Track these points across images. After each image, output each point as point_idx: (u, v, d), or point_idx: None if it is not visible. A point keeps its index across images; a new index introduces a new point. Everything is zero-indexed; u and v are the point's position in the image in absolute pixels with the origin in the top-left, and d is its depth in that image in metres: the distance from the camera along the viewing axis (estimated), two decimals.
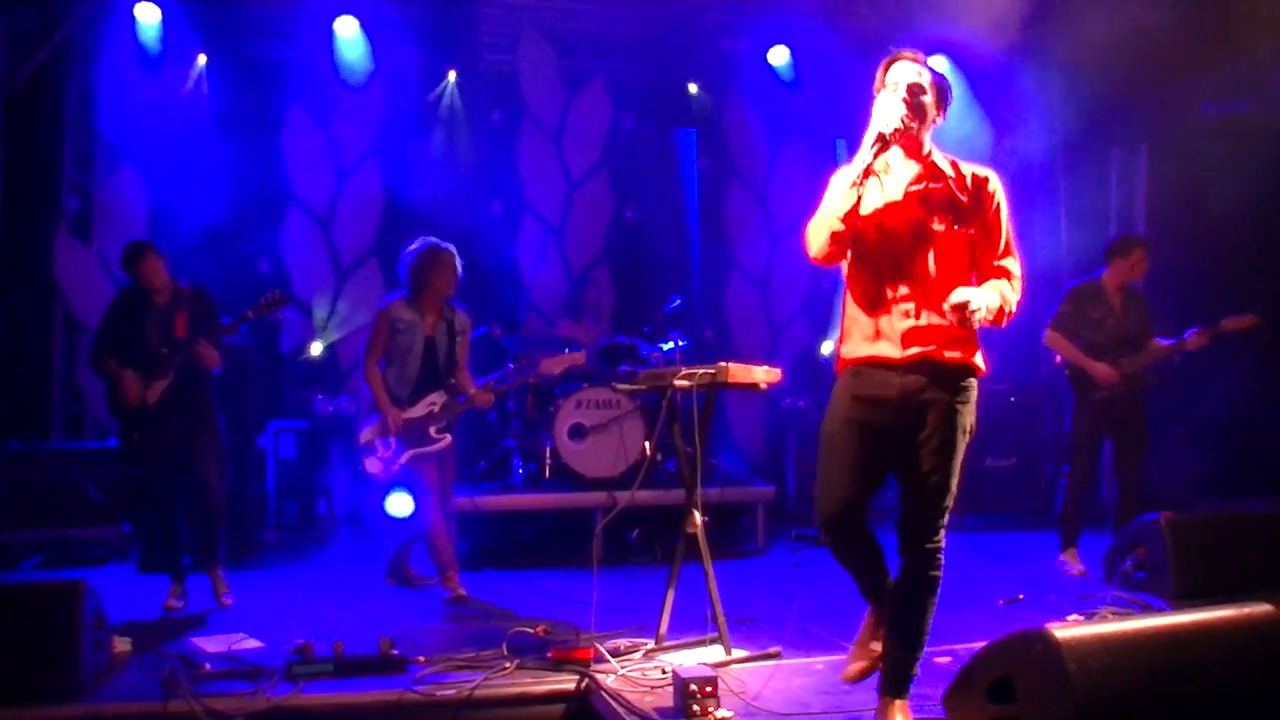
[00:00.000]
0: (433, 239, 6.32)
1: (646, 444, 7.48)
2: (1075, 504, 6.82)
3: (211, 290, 6.20)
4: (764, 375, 4.78)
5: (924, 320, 3.48)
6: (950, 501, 3.53)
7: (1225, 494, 8.67)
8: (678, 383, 4.70)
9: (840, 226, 3.45)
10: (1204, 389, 9.13)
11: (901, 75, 3.58)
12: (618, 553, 7.23)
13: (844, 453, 3.56)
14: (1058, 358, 6.93)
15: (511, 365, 7.09)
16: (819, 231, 3.51)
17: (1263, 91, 8.49)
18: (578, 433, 7.51)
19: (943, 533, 3.54)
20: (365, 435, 6.24)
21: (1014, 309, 3.52)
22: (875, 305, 3.55)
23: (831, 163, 10.46)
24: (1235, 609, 3.35)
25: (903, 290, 3.51)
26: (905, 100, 3.52)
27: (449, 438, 6.29)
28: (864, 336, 3.57)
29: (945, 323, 3.45)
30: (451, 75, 9.34)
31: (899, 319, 3.50)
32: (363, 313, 8.98)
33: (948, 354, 3.50)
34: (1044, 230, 9.73)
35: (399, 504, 7.35)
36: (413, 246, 6.31)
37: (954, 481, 3.51)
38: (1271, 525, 6.14)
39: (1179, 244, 9.04)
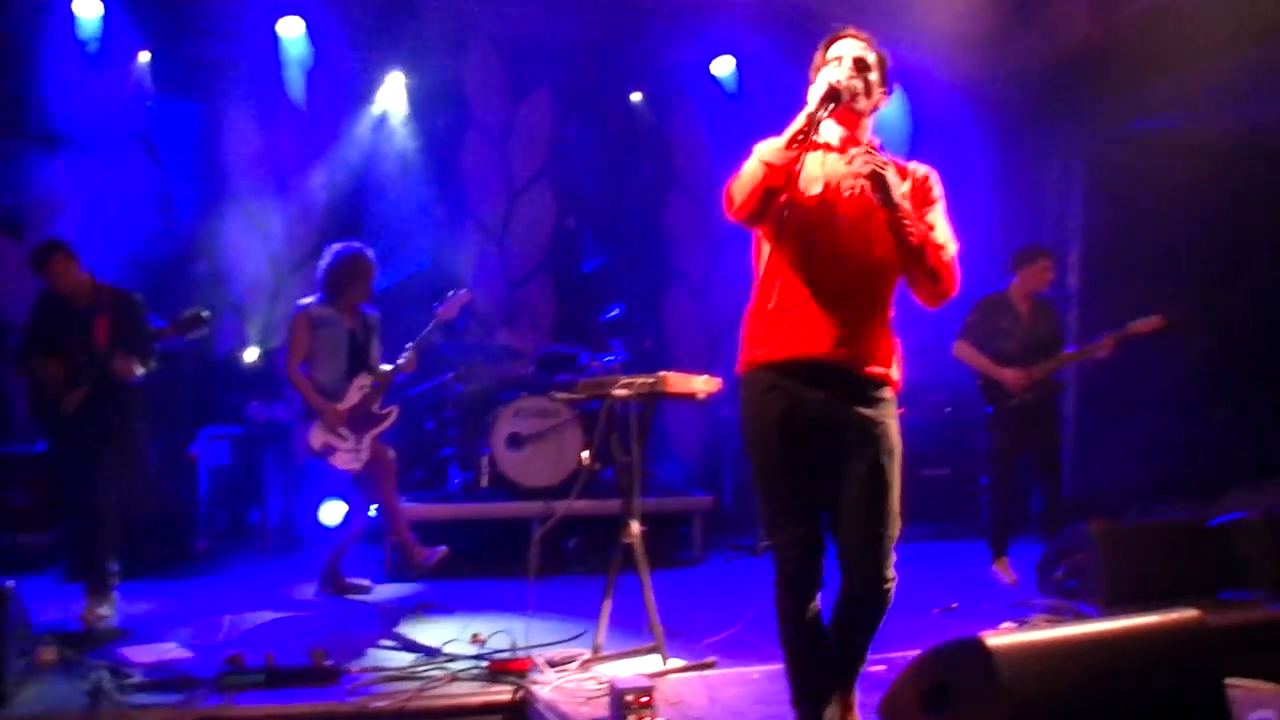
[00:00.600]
0: (355, 245, 6.46)
1: (584, 453, 7.47)
2: (999, 514, 6.88)
3: (146, 291, 6.07)
4: (702, 385, 4.79)
5: (855, 321, 3.32)
6: (895, 525, 3.34)
7: (1154, 501, 8.81)
8: (616, 392, 4.70)
9: (776, 182, 3.21)
10: (1134, 399, 9.28)
11: (846, 49, 3.45)
12: (555, 562, 7.20)
13: (783, 466, 3.37)
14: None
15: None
16: (747, 181, 3.26)
17: (1193, 108, 8.66)
18: (515, 442, 7.47)
19: (893, 556, 3.35)
20: (316, 440, 6.23)
21: (931, 253, 3.32)
22: (802, 297, 3.33)
23: None
24: (1163, 615, 3.39)
25: (836, 283, 3.32)
26: (850, 72, 3.37)
27: (395, 409, 6.50)
28: (786, 333, 3.35)
29: (874, 327, 3.35)
30: (396, 78, 9.27)
31: (829, 314, 3.30)
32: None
33: (874, 368, 3.35)
34: (981, 242, 9.84)
35: (331, 511, 7.30)
36: (335, 250, 6.43)
37: (896, 499, 3.33)
38: (1198, 532, 6.27)
39: (1113, 256, 9.20)
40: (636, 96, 10.03)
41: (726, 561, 7.68)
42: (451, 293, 6.63)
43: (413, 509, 7.17)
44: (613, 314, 8.55)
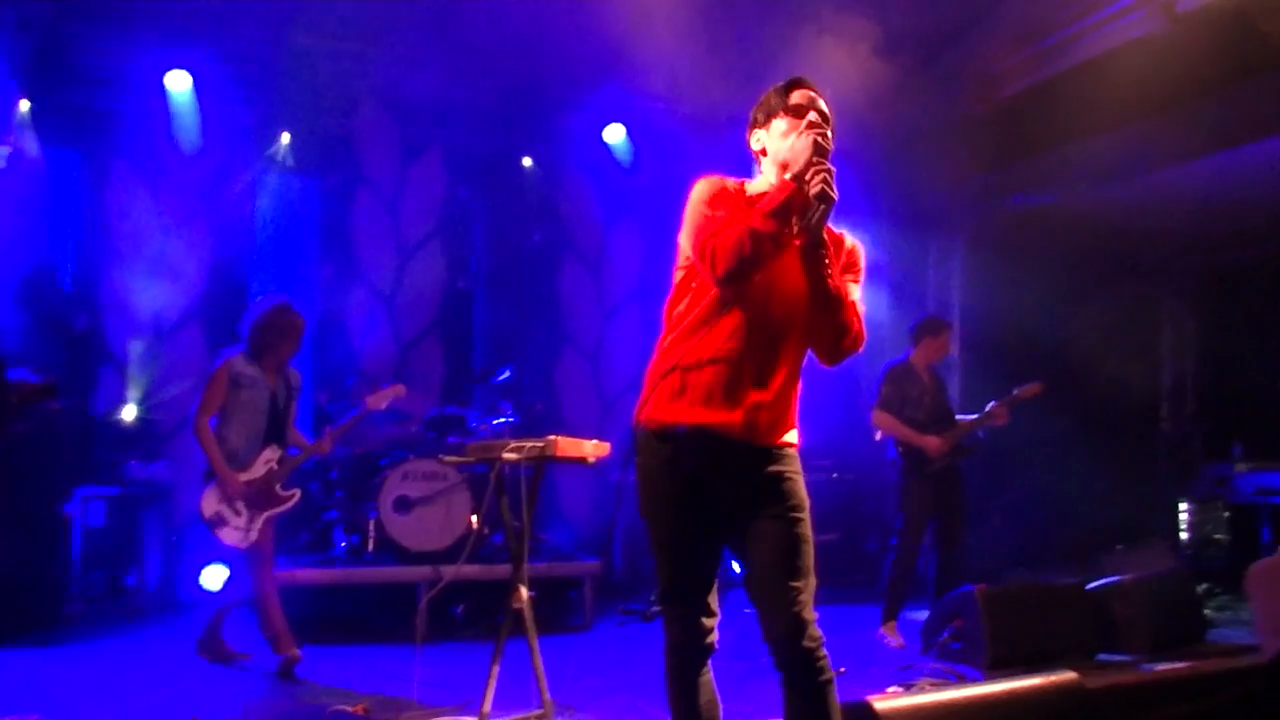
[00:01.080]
0: (285, 300, 6.17)
1: (473, 517, 7.41)
2: (903, 577, 7.00)
3: (25, 345, 5.92)
4: (593, 449, 4.78)
5: (774, 389, 3.18)
6: (812, 582, 3.16)
7: (1034, 566, 9.02)
8: (506, 455, 4.66)
9: (767, 254, 2.99)
10: (1014, 468, 9.51)
11: (812, 100, 3.20)
12: (443, 628, 7.09)
13: (683, 538, 3.24)
14: (878, 435, 7.14)
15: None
16: (735, 248, 2.96)
17: (1069, 185, 8.99)
18: (403, 505, 7.38)
19: (814, 614, 3.13)
20: (208, 507, 5.88)
21: (846, 307, 3.15)
22: (726, 359, 3.14)
23: (667, 240, 10.66)
24: (1043, 677, 3.47)
25: (764, 348, 3.15)
26: (828, 132, 3.09)
27: (297, 493, 6.17)
28: (701, 395, 3.15)
29: (790, 396, 3.22)
30: (285, 137, 9.19)
31: (751, 381, 3.14)
32: (182, 375, 8.69)
33: (784, 437, 3.23)
34: (867, 311, 10.04)
35: (213, 576, 7.10)
36: (264, 305, 6.13)
37: (811, 554, 3.16)
38: (1076, 596, 6.43)
39: (993, 327, 9.47)
40: (527, 161, 10.07)
41: (617, 627, 7.63)
42: (386, 385, 6.47)
43: (297, 574, 7.02)
44: (503, 377, 8.53)
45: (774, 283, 3.14)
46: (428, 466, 7.47)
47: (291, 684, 5.75)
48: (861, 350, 3.27)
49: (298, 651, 5.91)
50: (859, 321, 3.21)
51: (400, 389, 6.46)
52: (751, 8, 8.25)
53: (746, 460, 3.16)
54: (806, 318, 3.19)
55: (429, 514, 7.39)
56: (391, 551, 7.39)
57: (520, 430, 7.77)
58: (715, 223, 3.06)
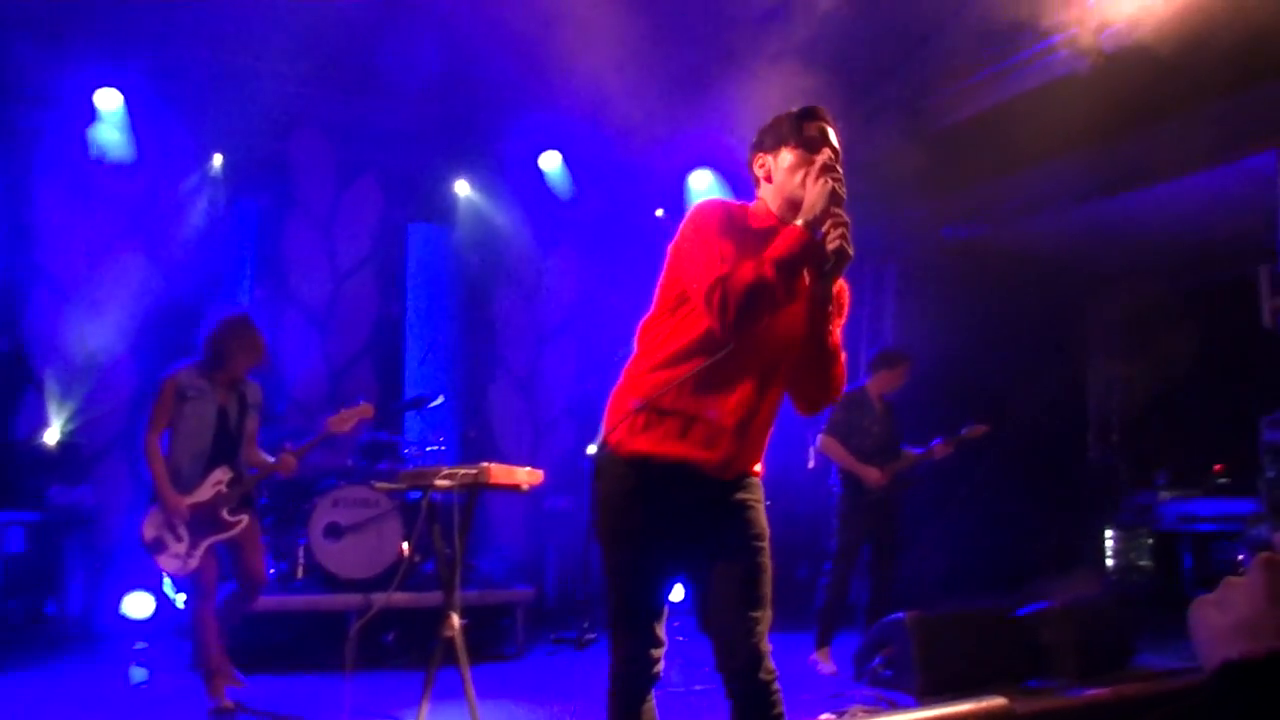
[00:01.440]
0: (244, 313, 5.87)
1: (405, 544, 7.34)
2: (835, 604, 7.04)
3: None
4: (526, 476, 4.76)
5: (754, 432, 3.15)
6: (769, 613, 3.11)
7: (965, 593, 9.11)
8: (439, 482, 4.63)
9: (782, 302, 2.93)
10: (945, 496, 9.62)
11: (829, 135, 3.13)
12: (373, 656, 7.00)
13: (644, 570, 3.15)
14: (812, 462, 7.20)
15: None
16: (758, 296, 2.86)
17: (998, 218, 9.14)
18: (334, 532, 7.29)
19: (769, 645, 3.08)
20: (149, 530, 5.50)
21: (840, 361, 3.13)
22: (710, 395, 3.06)
23: (601, 268, 10.69)
24: (973, 703, 3.48)
25: (748, 393, 3.09)
26: (839, 182, 2.99)
27: (245, 519, 5.68)
28: (679, 430, 3.07)
29: (765, 433, 3.19)
30: (218, 158, 9.08)
31: (731, 423, 3.07)
32: (108, 397, 8.55)
33: (755, 468, 3.22)
34: None
35: (136, 604, 6.96)
36: (220, 316, 5.79)
37: (769, 584, 3.11)
38: (1005, 622, 6.50)
39: (924, 356, 9.57)
40: (463, 186, 10.06)
41: (550, 655, 7.59)
42: (349, 406, 6.00)
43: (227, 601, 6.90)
44: (436, 403, 8.47)
45: (768, 327, 3.02)
46: (359, 493, 7.39)
47: (222, 715, 5.63)
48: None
49: (229, 701, 5.56)
50: (842, 379, 3.17)
51: (368, 409, 6.00)
52: (686, 38, 8.31)
53: (715, 490, 3.12)
54: (796, 367, 3.16)
55: (360, 541, 7.31)
56: (321, 579, 7.29)
57: (453, 457, 7.71)
58: (724, 265, 2.91)
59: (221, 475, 5.63)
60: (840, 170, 3.00)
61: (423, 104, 9.36)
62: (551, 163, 9.99)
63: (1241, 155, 7.48)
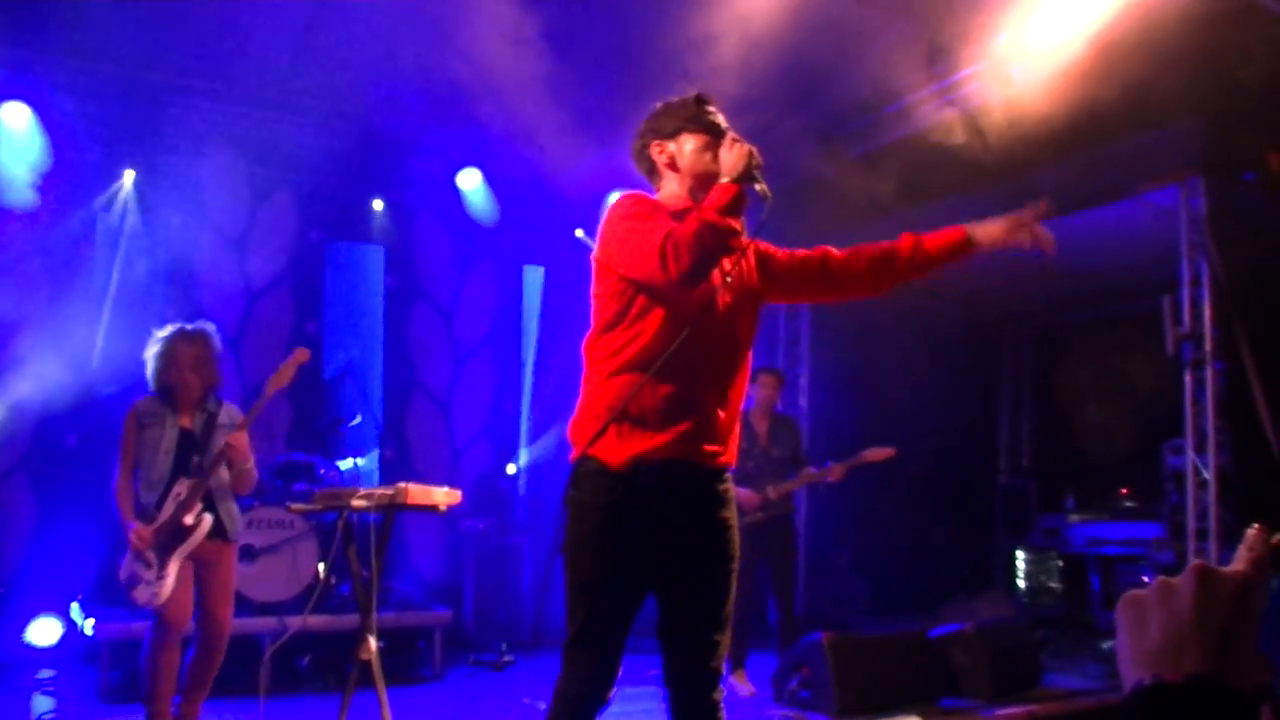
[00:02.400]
0: (181, 326, 5.52)
1: (321, 566, 7.25)
2: (739, 626, 7.05)
3: None
4: (444, 497, 4.73)
5: (724, 413, 3.11)
6: (729, 635, 3.12)
7: (881, 615, 9.24)
8: (355, 503, 4.58)
9: (730, 245, 2.93)
10: (860, 519, 9.74)
11: (725, 123, 3.21)
12: (287, 681, 6.90)
13: (623, 587, 3.06)
14: None
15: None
16: (706, 238, 2.85)
17: None
18: (247, 554, 7.16)
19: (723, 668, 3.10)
20: (124, 571, 5.14)
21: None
22: (674, 384, 3.01)
23: (520, 288, 10.68)
24: None
25: (711, 372, 3.08)
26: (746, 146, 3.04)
27: (208, 517, 5.20)
28: (653, 423, 3.00)
29: (735, 419, 3.17)
30: (129, 175, 8.92)
31: (703, 405, 3.05)
32: (10, 422, 8.34)
33: (729, 458, 3.17)
34: None
35: (42, 631, 6.78)
36: (157, 336, 5.44)
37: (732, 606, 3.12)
38: (919, 643, 6.60)
39: (839, 380, 9.71)
40: (378, 204, 9.98)
41: (468, 677, 7.54)
42: (285, 362, 5.50)
43: (134, 625, 6.74)
44: (353, 423, 8.39)
45: (706, 318, 3.05)
46: (274, 514, 7.28)
47: None
48: None
49: None
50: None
51: (303, 352, 5.53)
52: (606, 60, 8.37)
53: (701, 490, 3.09)
54: (753, 333, 3.26)
55: (274, 563, 7.20)
56: (235, 602, 7.16)
57: (370, 477, 7.65)
58: (660, 228, 2.91)
59: (180, 488, 5.21)
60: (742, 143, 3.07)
61: (339, 121, 9.30)
62: (470, 181, 9.96)
63: (1145, 190, 7.70)
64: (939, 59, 7.37)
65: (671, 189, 3.23)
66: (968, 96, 7.74)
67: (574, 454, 3.11)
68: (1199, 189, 7.31)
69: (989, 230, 3.24)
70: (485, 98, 9.02)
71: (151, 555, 5.09)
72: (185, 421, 5.35)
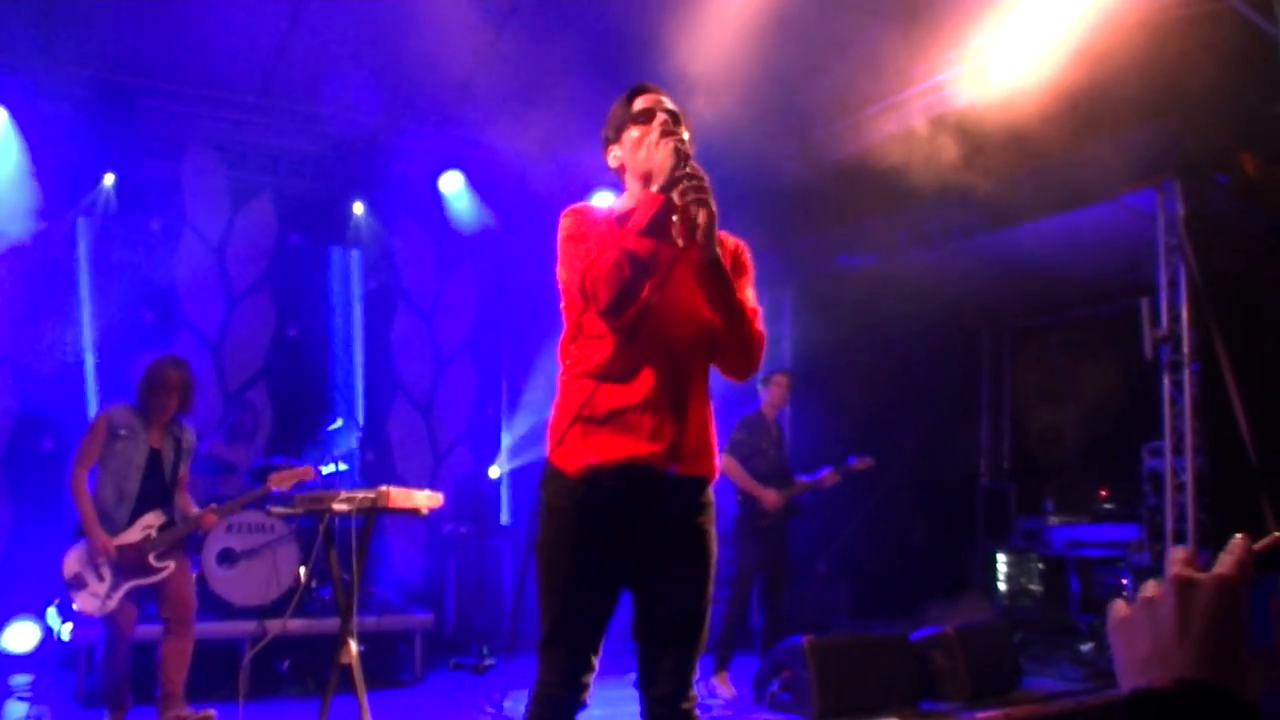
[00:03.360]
0: (169, 355, 5.89)
1: (301, 570, 7.23)
2: (733, 628, 7.08)
3: None
4: (425, 500, 4.73)
5: (691, 416, 3.02)
6: (704, 641, 3.05)
7: (862, 618, 9.26)
8: (336, 506, 4.57)
9: (640, 271, 2.82)
10: (841, 522, 9.76)
11: (658, 102, 3.10)
12: (268, 685, 6.87)
13: (592, 588, 3.01)
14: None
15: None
16: (623, 269, 2.79)
17: (890, 248, 9.34)
18: (227, 558, 7.15)
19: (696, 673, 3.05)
20: (70, 566, 5.34)
21: (750, 317, 3.01)
22: (634, 383, 2.96)
23: (500, 290, 10.69)
24: None
25: (668, 366, 2.98)
26: (682, 129, 2.98)
27: (171, 565, 5.53)
28: (615, 428, 2.95)
29: (703, 415, 3.08)
30: (109, 178, 8.88)
31: (667, 413, 2.96)
32: None
33: (703, 465, 3.07)
34: None
35: (18, 636, 6.74)
36: (153, 358, 5.81)
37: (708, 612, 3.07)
38: (899, 646, 6.63)
39: (819, 383, 9.73)
40: (358, 208, 9.96)
41: (448, 681, 7.53)
42: (294, 469, 5.88)
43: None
44: (334, 426, 8.37)
45: (669, 304, 2.97)
46: (254, 518, 7.25)
47: None
48: (760, 367, 3.17)
49: None
50: (760, 337, 3.06)
51: (309, 471, 5.90)
52: (585, 63, 8.38)
53: (672, 495, 3.01)
54: (710, 335, 3.05)
55: (254, 567, 7.17)
56: (214, 606, 7.14)
57: (351, 480, 7.63)
58: (588, 254, 2.89)
59: (153, 519, 5.55)
60: (683, 130, 2.98)
61: (318, 124, 9.29)
62: (452, 184, 9.95)
63: (1122, 193, 7.75)
64: None
65: (632, 191, 3.16)
66: (945, 100, 7.77)
67: (546, 456, 3.10)
68: (1175, 192, 7.36)
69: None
70: (466, 100, 9.03)
71: (107, 570, 5.34)
72: (155, 441, 5.65)
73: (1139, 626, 1.02)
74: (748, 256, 3.22)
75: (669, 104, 3.11)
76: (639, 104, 3.13)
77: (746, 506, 7.07)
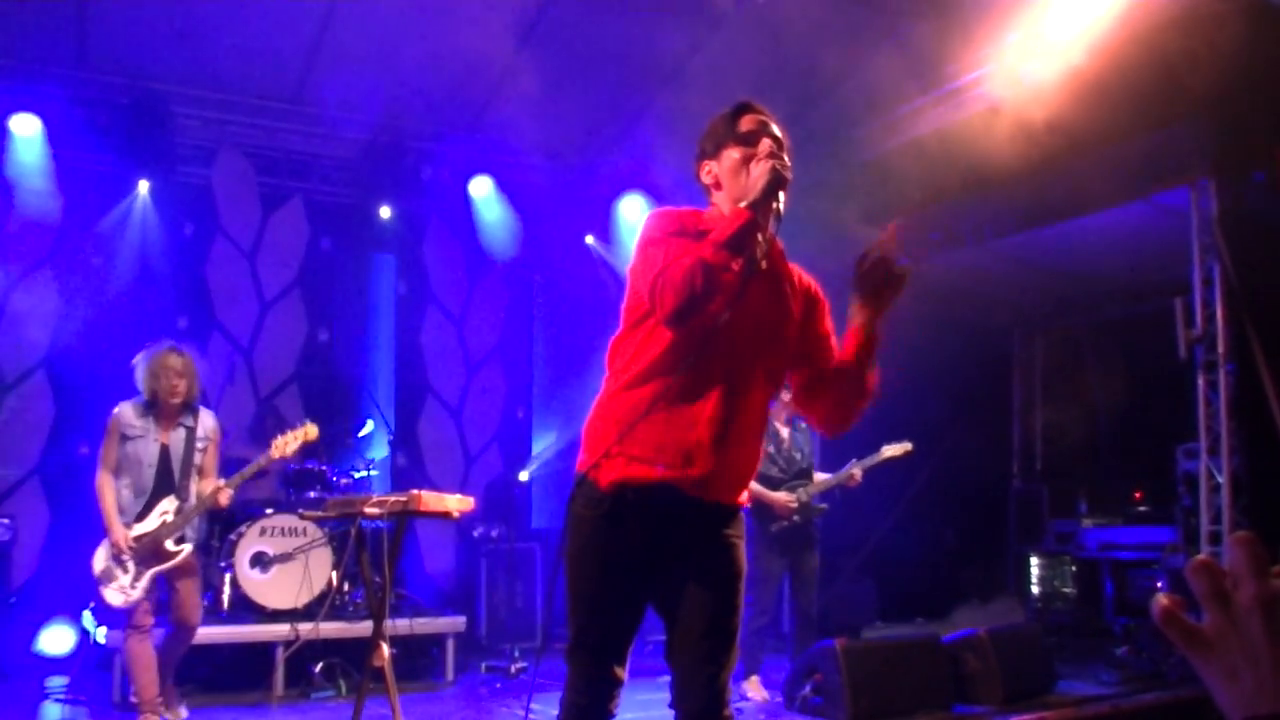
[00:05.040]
0: (166, 342, 5.82)
1: (333, 574, 7.26)
2: (757, 633, 7.04)
3: None
4: (457, 504, 4.73)
5: (740, 446, 2.98)
6: (736, 653, 3.03)
7: (893, 620, 9.21)
8: (368, 510, 4.58)
9: (719, 290, 2.76)
10: (873, 524, 9.71)
11: (766, 124, 3.04)
12: (301, 688, 6.90)
13: (620, 599, 3.01)
14: None
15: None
16: (696, 279, 2.71)
17: (920, 248, 9.28)
18: (261, 561, 7.18)
19: (730, 689, 3.01)
20: (99, 562, 5.50)
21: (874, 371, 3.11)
22: (693, 408, 2.90)
23: (528, 297, 10.70)
24: None
25: (729, 403, 2.92)
26: (785, 156, 2.94)
27: (188, 548, 5.65)
28: (663, 448, 2.89)
29: (756, 449, 3.07)
30: (144, 185, 8.95)
31: (714, 438, 2.89)
32: (24, 431, 8.39)
33: (736, 495, 3.05)
34: None
35: (55, 638, 6.78)
36: (147, 346, 5.78)
37: (739, 622, 3.03)
38: (932, 649, 6.58)
39: None
40: (386, 212, 9.96)
41: (480, 684, 7.54)
42: (294, 431, 5.88)
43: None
44: (366, 430, 8.41)
45: (740, 327, 2.89)
46: (287, 522, 7.30)
47: None
48: None
49: None
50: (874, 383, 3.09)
51: (312, 430, 5.94)
52: (613, 66, 8.39)
53: (699, 519, 2.98)
54: (779, 366, 3.07)
55: (288, 571, 7.21)
56: (248, 609, 7.18)
57: (383, 484, 7.66)
58: (665, 257, 2.81)
59: (168, 505, 5.61)
60: (785, 156, 2.93)
61: (348, 130, 9.35)
62: (481, 189, 9.98)
63: (1156, 191, 7.68)
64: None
65: (719, 209, 3.06)
66: (977, 99, 7.73)
67: (579, 463, 3.06)
68: (1209, 190, 7.28)
69: (860, 311, 3.07)
70: (495, 105, 9.05)
71: (130, 563, 5.46)
72: (164, 438, 5.68)
73: (1227, 645, 0.94)
74: (822, 300, 3.21)
75: (775, 128, 3.04)
76: (744, 123, 3.03)
77: (757, 513, 7.01)
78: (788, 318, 3.05)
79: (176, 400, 5.70)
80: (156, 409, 5.68)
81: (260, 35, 8.11)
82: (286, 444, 5.79)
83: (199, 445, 5.79)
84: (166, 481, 5.67)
